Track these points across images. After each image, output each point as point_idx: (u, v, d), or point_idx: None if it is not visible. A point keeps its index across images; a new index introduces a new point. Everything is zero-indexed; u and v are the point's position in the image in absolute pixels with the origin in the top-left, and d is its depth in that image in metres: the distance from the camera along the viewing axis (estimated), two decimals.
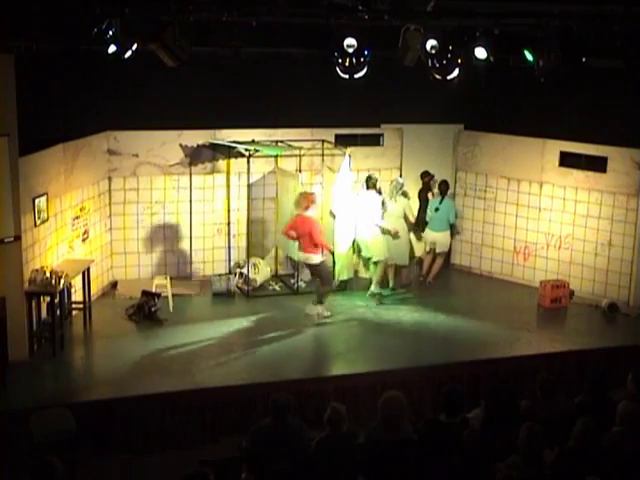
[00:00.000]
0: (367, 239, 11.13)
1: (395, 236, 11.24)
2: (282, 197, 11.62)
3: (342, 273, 11.29)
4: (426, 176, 12.26)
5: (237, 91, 11.24)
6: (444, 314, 10.68)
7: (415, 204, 12.10)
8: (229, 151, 11.59)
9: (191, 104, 10.99)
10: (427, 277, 11.98)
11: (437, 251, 11.90)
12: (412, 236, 11.91)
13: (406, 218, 11.48)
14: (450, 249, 12.38)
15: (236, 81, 11.09)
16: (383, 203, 11.20)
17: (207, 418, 8.23)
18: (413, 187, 12.23)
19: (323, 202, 11.81)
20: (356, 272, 11.77)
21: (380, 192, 11.25)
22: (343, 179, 11.05)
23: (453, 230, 12.24)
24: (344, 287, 11.45)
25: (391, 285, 11.46)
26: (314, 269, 10.38)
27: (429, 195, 12.26)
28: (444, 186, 11.90)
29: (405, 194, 11.56)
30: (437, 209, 11.76)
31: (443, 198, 11.81)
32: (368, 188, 11.19)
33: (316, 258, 10.20)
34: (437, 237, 11.81)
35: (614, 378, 7.71)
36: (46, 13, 7.95)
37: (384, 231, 11.12)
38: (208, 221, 11.79)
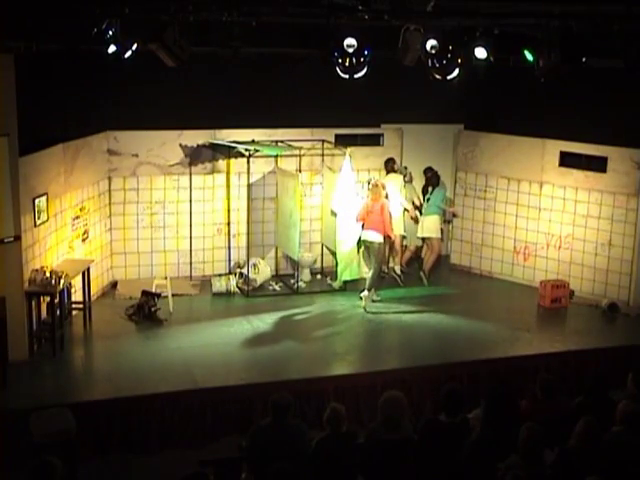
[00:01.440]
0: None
1: (415, 220, 11.92)
2: (282, 197, 11.62)
3: (345, 273, 11.31)
4: (429, 172, 12.33)
5: (237, 91, 11.26)
6: (444, 314, 10.69)
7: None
8: (229, 151, 11.59)
9: (191, 104, 10.99)
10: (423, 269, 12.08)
11: (424, 235, 11.97)
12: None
13: (412, 201, 11.94)
14: (444, 240, 12.52)
15: (236, 81, 11.09)
16: (405, 185, 11.79)
17: (207, 418, 8.22)
18: (416, 185, 12.35)
19: (323, 202, 11.86)
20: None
21: (400, 172, 11.91)
22: (345, 179, 11.07)
23: (445, 217, 12.44)
24: (344, 287, 11.46)
25: (397, 270, 11.85)
26: (373, 248, 10.73)
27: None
28: (434, 179, 12.13)
29: (411, 179, 12.10)
30: (428, 199, 12.02)
31: (433, 189, 12.03)
32: (388, 172, 11.82)
33: (379, 237, 10.64)
34: (424, 221, 11.93)
35: (614, 378, 7.70)
36: (46, 13, 7.95)
37: (405, 210, 11.75)
38: (208, 221, 11.79)
